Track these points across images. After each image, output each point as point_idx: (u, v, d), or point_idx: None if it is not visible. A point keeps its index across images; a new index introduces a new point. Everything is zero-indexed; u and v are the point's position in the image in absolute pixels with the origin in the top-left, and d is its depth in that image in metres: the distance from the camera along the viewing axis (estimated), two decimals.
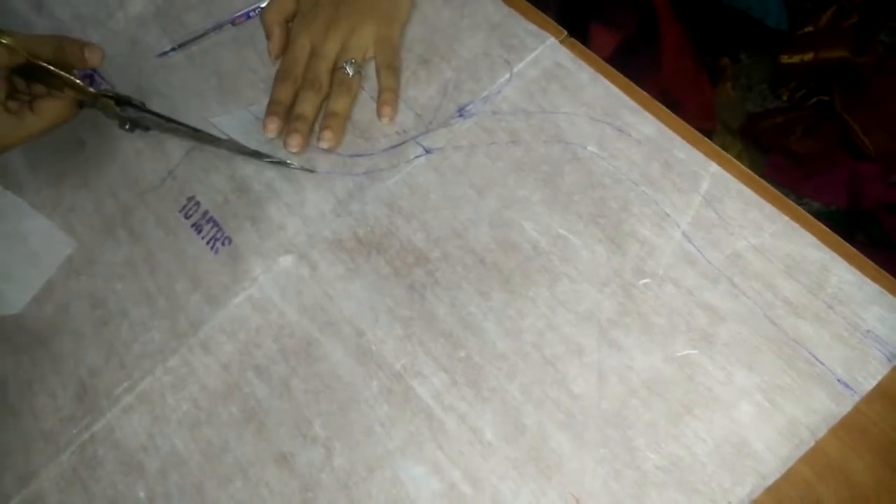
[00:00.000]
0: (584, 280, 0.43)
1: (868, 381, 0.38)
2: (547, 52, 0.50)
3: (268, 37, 0.54)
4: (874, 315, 0.39)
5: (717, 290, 0.41)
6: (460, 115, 0.50)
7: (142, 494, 0.43)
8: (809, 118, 0.93)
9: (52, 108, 0.47)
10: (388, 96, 0.50)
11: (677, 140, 0.45)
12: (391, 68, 0.51)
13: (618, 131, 0.46)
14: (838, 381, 0.38)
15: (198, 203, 0.51)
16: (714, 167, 0.44)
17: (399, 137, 0.50)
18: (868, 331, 0.39)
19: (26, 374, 0.49)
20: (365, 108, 0.52)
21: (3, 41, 0.44)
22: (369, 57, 0.53)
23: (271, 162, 0.50)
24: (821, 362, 0.38)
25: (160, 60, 0.58)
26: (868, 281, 0.40)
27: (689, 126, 0.46)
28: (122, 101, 0.49)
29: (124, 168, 0.54)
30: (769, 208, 0.42)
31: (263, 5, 0.57)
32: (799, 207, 0.43)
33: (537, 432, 0.40)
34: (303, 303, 0.46)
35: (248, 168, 0.51)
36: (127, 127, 0.50)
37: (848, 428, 0.37)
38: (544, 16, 0.52)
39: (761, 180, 0.44)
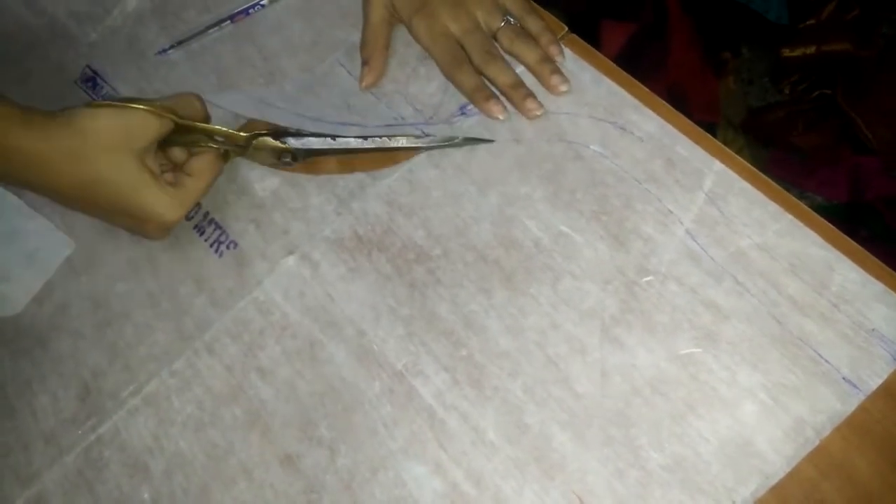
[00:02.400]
0: (587, 278, 0.42)
1: (873, 379, 0.37)
2: None
3: (367, 63, 0.51)
4: (879, 314, 0.39)
5: (720, 288, 0.41)
6: (462, 113, 0.49)
7: (146, 496, 0.43)
8: (811, 112, 0.92)
9: (204, 164, 0.47)
10: (547, 38, 0.49)
11: (680, 137, 0.45)
12: (533, 11, 0.50)
13: (620, 130, 0.46)
14: (843, 379, 0.38)
15: (199, 204, 0.51)
16: (717, 165, 0.44)
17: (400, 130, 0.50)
18: (873, 329, 0.38)
19: (25, 374, 0.49)
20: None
21: (145, 108, 0.43)
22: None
23: (459, 143, 0.47)
24: (826, 361, 0.38)
25: (159, 58, 0.57)
26: (873, 280, 0.40)
27: (692, 123, 0.46)
28: (279, 133, 0.48)
29: None
30: (773, 206, 0.42)
31: (264, 3, 0.57)
32: (803, 205, 0.43)
33: (540, 431, 0.40)
34: (305, 304, 0.46)
35: (251, 173, 0.51)
36: (288, 160, 0.48)
37: (852, 426, 0.37)
38: (546, 12, 0.52)
39: (765, 177, 0.44)
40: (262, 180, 0.51)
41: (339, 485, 0.41)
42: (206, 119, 0.48)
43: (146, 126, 0.43)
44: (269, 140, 0.47)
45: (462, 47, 0.49)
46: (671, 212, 0.43)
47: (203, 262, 0.49)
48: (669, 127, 0.45)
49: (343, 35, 0.54)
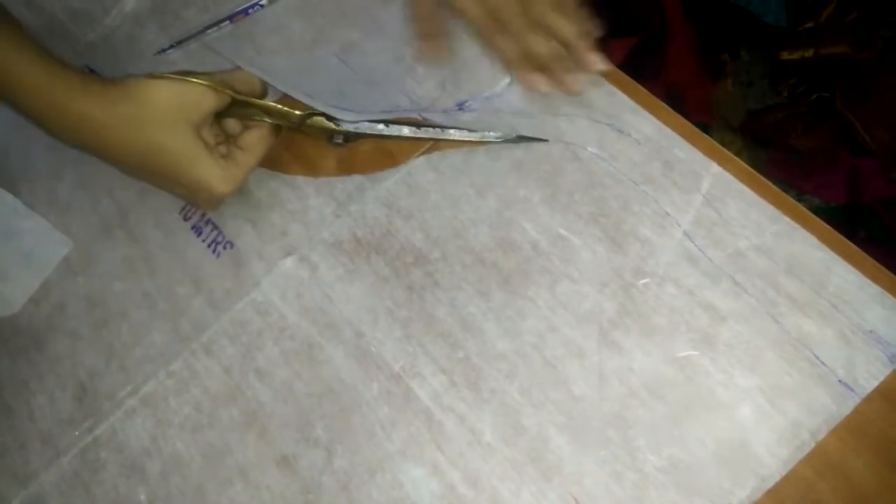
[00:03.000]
0: (585, 280, 0.42)
1: (869, 382, 0.37)
2: None
3: (429, 37, 0.49)
4: (876, 315, 0.39)
5: (718, 290, 0.41)
6: (459, 108, 0.49)
7: (143, 497, 0.43)
8: (809, 114, 0.92)
9: (257, 139, 0.47)
10: (581, 14, 0.47)
11: (678, 140, 0.45)
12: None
13: (618, 132, 0.46)
14: (840, 381, 0.38)
15: None
16: (715, 167, 0.44)
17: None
18: (870, 331, 0.38)
19: (22, 374, 0.49)
20: None
21: (203, 82, 0.44)
22: None
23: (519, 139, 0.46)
24: (823, 363, 0.38)
25: (158, 58, 0.57)
26: (870, 282, 0.40)
27: (690, 125, 0.46)
28: (331, 116, 0.48)
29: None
30: (770, 208, 0.42)
31: (263, 3, 0.57)
32: (800, 206, 0.43)
33: (537, 434, 0.40)
34: (303, 305, 0.46)
35: (250, 175, 0.51)
36: (340, 141, 0.48)
37: (848, 427, 0.37)
38: None
39: (763, 179, 0.44)
40: (261, 182, 0.50)
41: (336, 486, 0.41)
42: (263, 94, 0.48)
43: (203, 99, 0.44)
44: (323, 120, 0.48)
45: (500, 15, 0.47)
46: (668, 214, 0.43)
47: (200, 262, 0.49)
48: (667, 129, 0.45)
49: (342, 34, 0.54)
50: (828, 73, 0.91)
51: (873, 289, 0.40)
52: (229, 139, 0.48)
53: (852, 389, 0.37)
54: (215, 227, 0.50)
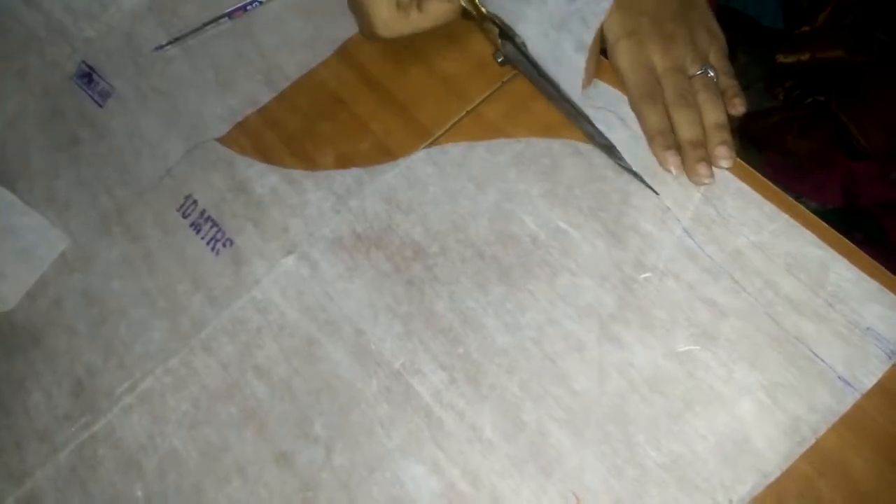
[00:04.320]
0: (585, 274, 0.42)
1: (869, 378, 0.37)
2: None
3: None
4: (874, 312, 0.39)
5: (718, 286, 0.41)
6: None
7: (140, 494, 0.43)
8: (805, 118, 0.93)
9: (438, 9, 0.49)
10: (736, 90, 0.48)
11: None
12: (731, 73, 0.49)
13: (620, 120, 0.46)
14: (839, 378, 0.38)
15: (195, 202, 0.51)
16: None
17: None
18: (868, 328, 0.39)
19: (18, 371, 0.48)
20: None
21: None
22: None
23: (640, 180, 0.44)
24: (822, 359, 0.38)
25: (156, 55, 0.57)
26: (867, 278, 0.40)
27: None
28: (505, 34, 0.48)
29: (120, 166, 0.54)
30: (769, 206, 0.42)
31: (262, 0, 0.57)
32: (798, 205, 0.43)
33: (537, 429, 0.40)
34: (303, 303, 0.46)
35: (250, 171, 0.51)
36: (500, 60, 0.48)
37: (848, 424, 0.37)
38: None
39: (761, 178, 0.44)
40: (261, 177, 0.50)
41: (336, 483, 0.41)
42: None
43: None
44: (494, 31, 0.48)
45: (658, 84, 0.47)
46: (668, 208, 0.43)
47: (200, 260, 0.49)
48: None
49: (342, 32, 0.54)
50: (824, 77, 0.91)
51: (871, 285, 0.40)
52: None
53: (851, 386, 0.37)
54: (215, 223, 0.50)
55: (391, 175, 0.48)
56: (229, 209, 0.50)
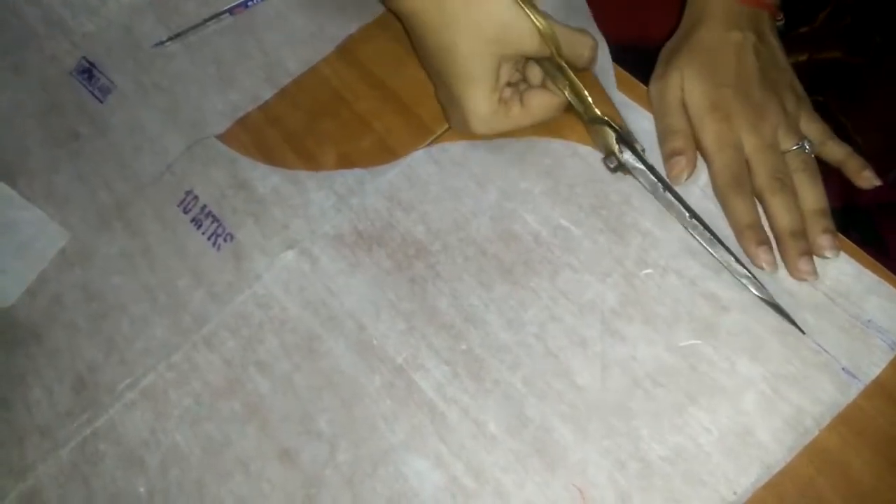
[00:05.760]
0: (586, 270, 0.43)
1: (872, 369, 0.38)
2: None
3: (682, 153, 0.43)
4: (874, 305, 0.39)
5: (720, 280, 0.41)
6: None
7: (142, 490, 0.43)
8: None
9: (542, 104, 0.45)
10: (854, 158, 0.44)
11: None
12: (831, 136, 0.45)
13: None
14: (843, 370, 0.38)
15: (196, 197, 0.51)
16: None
17: None
18: (869, 320, 0.39)
19: (19, 367, 0.48)
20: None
21: (539, 26, 0.41)
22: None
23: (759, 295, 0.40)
24: (826, 351, 0.38)
25: (156, 50, 0.57)
26: (867, 272, 0.40)
27: None
28: (623, 139, 0.43)
29: (120, 161, 0.54)
30: None
31: None
32: None
33: (540, 424, 0.40)
34: (305, 298, 0.46)
35: (253, 171, 0.51)
36: (612, 167, 0.43)
37: (848, 424, 0.37)
38: None
39: None
40: (263, 178, 0.50)
41: (340, 479, 0.41)
42: (585, 68, 0.45)
43: (524, 41, 0.41)
44: (611, 137, 0.43)
45: (748, 164, 0.42)
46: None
47: (201, 255, 0.49)
48: None
49: (342, 30, 0.54)
50: (822, 78, 0.92)
51: (870, 278, 0.40)
52: (519, 86, 0.46)
53: (855, 377, 0.38)
54: (216, 219, 0.50)
55: (392, 174, 0.48)
56: (230, 204, 0.50)
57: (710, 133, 0.43)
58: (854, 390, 0.37)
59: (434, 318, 0.43)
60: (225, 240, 0.49)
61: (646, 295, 0.41)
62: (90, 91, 0.57)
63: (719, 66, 0.44)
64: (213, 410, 0.44)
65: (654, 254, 0.42)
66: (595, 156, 0.46)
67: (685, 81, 0.44)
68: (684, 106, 0.44)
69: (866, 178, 0.44)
